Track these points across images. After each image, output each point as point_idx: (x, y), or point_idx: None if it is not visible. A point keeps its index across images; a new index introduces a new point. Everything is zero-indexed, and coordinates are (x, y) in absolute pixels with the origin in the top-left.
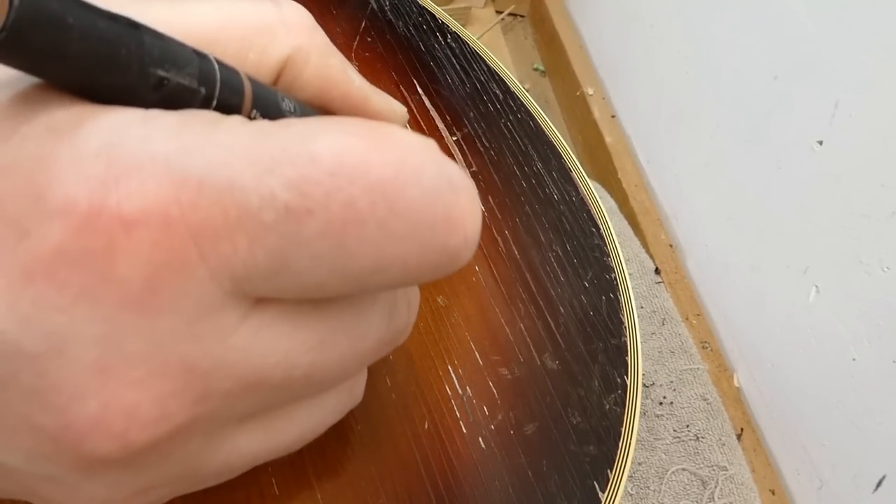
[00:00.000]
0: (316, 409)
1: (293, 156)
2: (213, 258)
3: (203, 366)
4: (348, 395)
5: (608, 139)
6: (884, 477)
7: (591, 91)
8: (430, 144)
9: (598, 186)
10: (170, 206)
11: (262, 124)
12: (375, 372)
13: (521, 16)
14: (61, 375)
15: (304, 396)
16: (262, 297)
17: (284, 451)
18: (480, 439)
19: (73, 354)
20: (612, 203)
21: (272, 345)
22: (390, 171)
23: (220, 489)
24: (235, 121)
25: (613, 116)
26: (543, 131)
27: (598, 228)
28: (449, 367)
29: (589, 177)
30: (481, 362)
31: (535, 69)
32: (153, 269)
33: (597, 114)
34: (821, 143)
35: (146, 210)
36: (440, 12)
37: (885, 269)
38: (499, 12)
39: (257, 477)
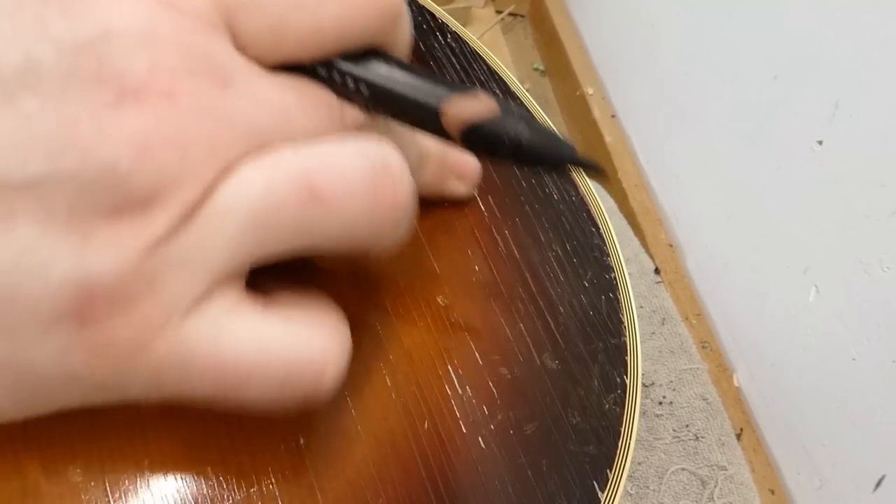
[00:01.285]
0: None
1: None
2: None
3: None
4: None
5: (608, 139)
6: (883, 477)
7: (591, 91)
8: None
9: (598, 186)
10: None
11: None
12: (375, 372)
13: (521, 15)
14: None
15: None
16: None
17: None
18: (480, 439)
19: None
20: (612, 203)
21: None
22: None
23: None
24: None
25: (613, 116)
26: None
27: (597, 228)
28: (448, 366)
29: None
30: (481, 362)
31: (535, 69)
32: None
33: (597, 113)
34: (821, 143)
35: None
36: (440, 12)
37: (885, 269)
38: (499, 12)
39: (257, 477)
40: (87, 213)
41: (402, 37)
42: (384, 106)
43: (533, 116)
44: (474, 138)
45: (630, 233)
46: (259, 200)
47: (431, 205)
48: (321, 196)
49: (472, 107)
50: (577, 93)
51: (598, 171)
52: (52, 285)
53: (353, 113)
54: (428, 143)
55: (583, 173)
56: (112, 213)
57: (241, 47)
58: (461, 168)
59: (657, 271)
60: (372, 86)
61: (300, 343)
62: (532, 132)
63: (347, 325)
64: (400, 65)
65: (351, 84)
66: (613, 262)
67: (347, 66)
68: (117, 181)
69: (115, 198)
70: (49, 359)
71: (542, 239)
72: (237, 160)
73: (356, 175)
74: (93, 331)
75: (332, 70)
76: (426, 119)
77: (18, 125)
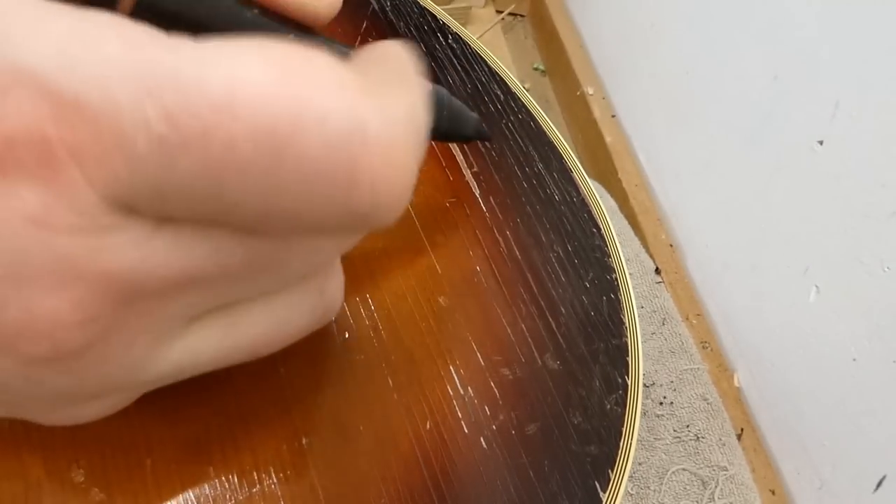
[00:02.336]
0: (279, 307)
1: (182, 81)
2: (96, 180)
3: (116, 271)
4: (318, 296)
5: (608, 139)
6: (884, 477)
7: (591, 90)
8: (352, 81)
9: (599, 186)
10: (47, 126)
11: (176, 42)
12: (377, 372)
13: (522, 15)
14: None
15: (257, 291)
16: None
17: (249, 354)
18: (482, 439)
19: None
20: (613, 203)
21: (195, 247)
22: (287, 112)
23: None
24: (139, 31)
25: (614, 116)
26: (544, 132)
27: (598, 229)
28: (451, 367)
29: (589, 176)
30: (483, 362)
31: (535, 69)
32: (43, 189)
33: (597, 113)
34: (821, 143)
35: (26, 128)
36: (441, 13)
37: (886, 269)
38: (499, 12)
39: (259, 477)
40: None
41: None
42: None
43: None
44: None
45: (630, 233)
46: None
47: (433, 206)
48: None
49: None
50: (577, 93)
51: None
52: None
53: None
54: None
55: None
56: None
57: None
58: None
59: (657, 271)
60: None
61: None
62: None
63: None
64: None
65: None
66: (614, 262)
67: None
68: None
69: None
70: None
71: (544, 240)
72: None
73: None
74: None
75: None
76: None
77: None
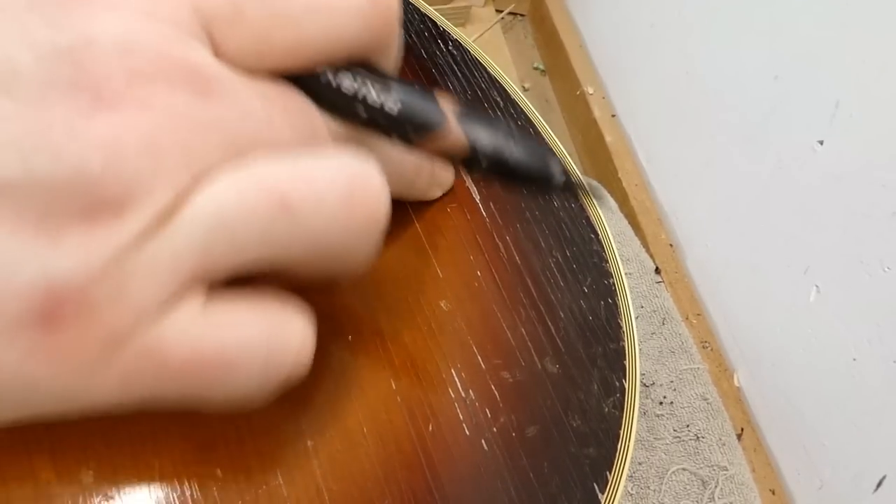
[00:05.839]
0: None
1: None
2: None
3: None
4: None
5: (608, 138)
6: (884, 477)
7: (591, 90)
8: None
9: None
10: None
11: None
12: (380, 375)
13: (522, 15)
14: None
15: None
16: None
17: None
18: (483, 441)
19: None
20: (612, 202)
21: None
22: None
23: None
24: None
25: (614, 116)
26: (543, 138)
27: (596, 234)
28: (452, 370)
29: (589, 176)
30: (483, 366)
31: (535, 68)
32: None
33: (597, 113)
34: (821, 142)
35: None
36: (441, 20)
37: (886, 269)
38: (499, 11)
39: (265, 478)
40: (57, 216)
41: (392, 51)
42: (377, 125)
43: (526, 133)
44: (469, 160)
45: (630, 232)
46: (229, 208)
47: (435, 211)
48: (292, 208)
49: (464, 131)
50: (577, 92)
51: (589, 192)
52: (18, 288)
53: (335, 126)
54: (415, 157)
55: (581, 195)
56: (83, 216)
57: (224, 56)
58: (442, 177)
59: (657, 271)
60: (370, 108)
61: (277, 323)
62: (519, 150)
63: (307, 307)
64: (388, 78)
65: (350, 96)
66: (612, 267)
67: (345, 80)
68: (89, 184)
69: (86, 201)
70: (9, 365)
71: (543, 245)
72: (213, 168)
73: (332, 189)
74: (58, 336)
75: (332, 81)
76: (417, 137)
77: None
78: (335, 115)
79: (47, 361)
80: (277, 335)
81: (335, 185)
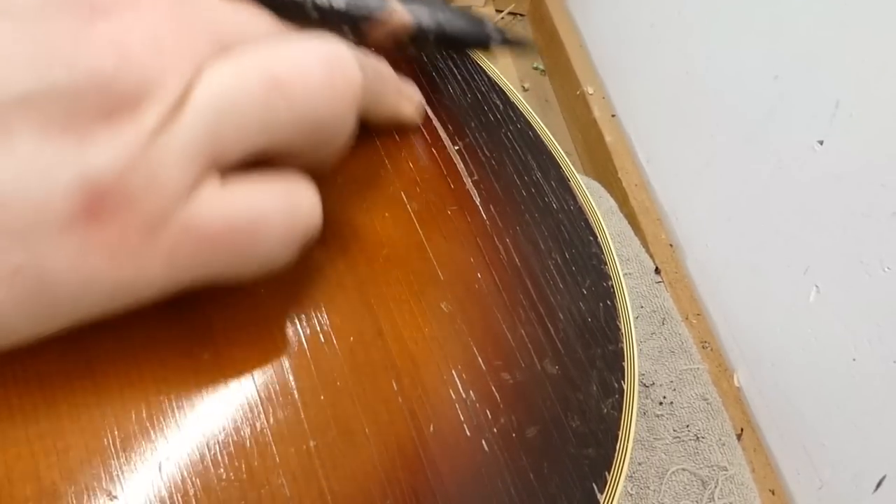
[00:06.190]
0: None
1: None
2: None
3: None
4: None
5: (608, 138)
6: (884, 477)
7: (591, 90)
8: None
9: (598, 186)
10: None
11: None
12: (382, 377)
13: (521, 15)
14: None
15: None
16: None
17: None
18: (484, 442)
19: None
20: (612, 202)
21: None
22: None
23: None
24: None
25: (613, 116)
26: (542, 141)
27: (595, 237)
28: (453, 371)
29: (589, 176)
30: (484, 367)
31: (535, 68)
32: None
33: (597, 113)
34: (821, 142)
35: None
36: None
37: (886, 269)
38: (498, 11)
39: (269, 479)
40: (81, 119)
41: None
42: (330, 23)
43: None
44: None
45: (630, 232)
46: (231, 92)
47: (435, 214)
48: (284, 85)
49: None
50: (577, 92)
51: (523, 44)
52: (60, 188)
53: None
54: (382, 66)
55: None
56: (106, 115)
57: None
58: (409, 91)
59: (657, 271)
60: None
61: (288, 189)
62: (458, 19)
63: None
64: None
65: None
66: (611, 269)
67: None
68: (105, 85)
69: (105, 101)
70: (65, 262)
71: (542, 247)
72: (208, 58)
73: (314, 65)
74: (104, 227)
75: None
76: (367, 26)
77: None
78: (292, 23)
79: (98, 255)
80: (291, 197)
81: (316, 62)
